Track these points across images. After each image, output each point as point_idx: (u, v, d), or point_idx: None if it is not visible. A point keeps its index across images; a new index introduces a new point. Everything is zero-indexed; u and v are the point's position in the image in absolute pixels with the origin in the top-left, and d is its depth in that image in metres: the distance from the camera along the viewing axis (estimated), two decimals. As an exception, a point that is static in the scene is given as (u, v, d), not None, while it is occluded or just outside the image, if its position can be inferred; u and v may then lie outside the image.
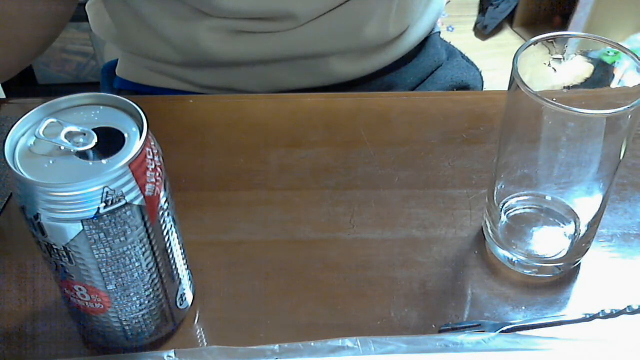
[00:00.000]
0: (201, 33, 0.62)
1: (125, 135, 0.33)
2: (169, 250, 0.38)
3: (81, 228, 0.32)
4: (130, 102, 0.35)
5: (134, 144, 0.33)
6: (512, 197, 0.45)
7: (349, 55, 0.67)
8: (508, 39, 2.04)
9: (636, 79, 0.38)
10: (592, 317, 0.42)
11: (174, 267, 0.39)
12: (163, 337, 0.41)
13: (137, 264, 0.35)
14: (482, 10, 2.09)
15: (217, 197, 0.51)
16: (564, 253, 0.44)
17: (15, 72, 0.59)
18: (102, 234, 0.33)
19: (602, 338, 0.41)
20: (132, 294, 0.37)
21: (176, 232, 0.38)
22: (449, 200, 0.50)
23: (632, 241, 0.47)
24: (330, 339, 0.40)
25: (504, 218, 0.45)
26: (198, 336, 0.42)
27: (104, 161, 0.32)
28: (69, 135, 0.33)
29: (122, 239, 0.34)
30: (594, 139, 0.38)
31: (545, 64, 0.41)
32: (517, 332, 0.41)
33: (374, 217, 0.49)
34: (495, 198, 0.44)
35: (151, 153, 0.34)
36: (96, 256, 0.34)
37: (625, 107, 0.36)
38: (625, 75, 0.40)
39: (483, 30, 2.05)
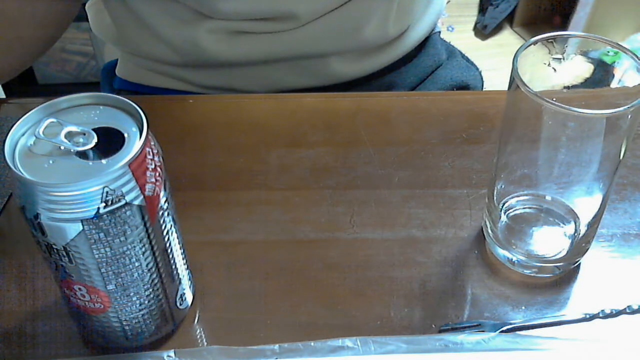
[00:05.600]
0: (201, 34, 0.62)
1: (125, 135, 0.33)
2: (169, 250, 0.38)
3: (81, 228, 0.32)
4: (130, 102, 0.35)
5: (134, 144, 0.33)
6: (512, 197, 0.45)
7: (349, 56, 0.67)
8: (508, 39, 2.04)
9: (636, 79, 0.38)
10: (592, 317, 0.42)
11: (174, 267, 0.39)
12: (163, 337, 0.41)
13: (137, 264, 0.35)
14: (482, 10, 2.09)
15: (217, 197, 0.51)
16: (564, 253, 0.44)
17: (17, 73, 0.59)
18: (102, 234, 0.33)
19: (602, 338, 0.41)
20: (132, 294, 0.37)
21: (176, 232, 0.38)
22: (449, 200, 0.50)
23: (632, 241, 0.47)
24: (330, 339, 0.40)
25: (504, 218, 0.45)
26: (198, 336, 0.42)
27: (104, 161, 0.32)
28: (69, 135, 0.33)
29: (122, 239, 0.34)
30: (594, 139, 0.38)
31: (545, 64, 0.41)
32: (517, 332, 0.41)
33: (374, 217, 0.49)
34: (495, 198, 0.44)
35: (151, 153, 0.34)
36: (96, 256, 0.34)
37: (625, 107, 0.36)
38: (625, 75, 0.39)
39: (483, 30, 2.05)
